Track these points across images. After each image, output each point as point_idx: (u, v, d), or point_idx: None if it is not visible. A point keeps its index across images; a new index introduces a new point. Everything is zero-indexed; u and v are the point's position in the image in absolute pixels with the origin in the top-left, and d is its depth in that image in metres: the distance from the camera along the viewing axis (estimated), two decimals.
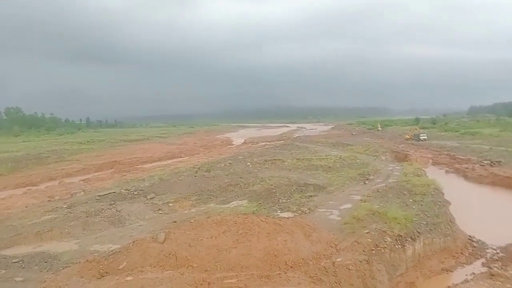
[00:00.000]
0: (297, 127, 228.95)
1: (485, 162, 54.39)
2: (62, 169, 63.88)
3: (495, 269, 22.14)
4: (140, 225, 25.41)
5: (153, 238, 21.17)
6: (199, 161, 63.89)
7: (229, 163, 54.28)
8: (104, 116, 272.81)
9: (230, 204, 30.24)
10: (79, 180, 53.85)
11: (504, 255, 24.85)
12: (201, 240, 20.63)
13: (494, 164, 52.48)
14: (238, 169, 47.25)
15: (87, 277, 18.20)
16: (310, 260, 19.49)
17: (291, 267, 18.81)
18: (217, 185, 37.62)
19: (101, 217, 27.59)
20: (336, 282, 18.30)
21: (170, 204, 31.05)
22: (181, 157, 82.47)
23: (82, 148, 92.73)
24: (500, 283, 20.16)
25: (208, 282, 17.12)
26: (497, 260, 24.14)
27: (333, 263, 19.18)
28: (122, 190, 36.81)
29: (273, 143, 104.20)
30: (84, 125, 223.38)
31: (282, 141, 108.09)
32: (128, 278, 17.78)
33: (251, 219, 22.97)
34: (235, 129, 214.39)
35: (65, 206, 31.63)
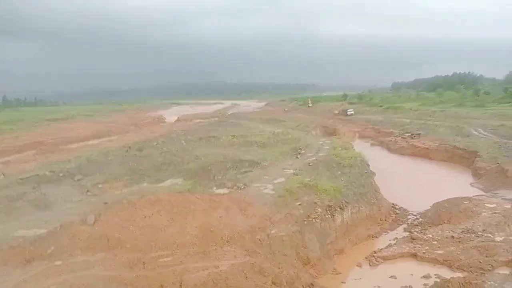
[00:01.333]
0: (232, 104, 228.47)
1: (406, 134, 59.02)
2: None
3: (415, 233, 24.51)
4: (68, 208, 24.07)
5: (82, 221, 20.25)
6: (129, 140, 61.49)
7: (162, 141, 53.04)
8: (22, 94, 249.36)
9: (165, 183, 29.72)
10: None
11: (423, 220, 27.52)
12: (134, 220, 20.15)
13: (414, 136, 57.07)
14: (172, 147, 46.34)
15: (12, 263, 17.08)
16: (246, 233, 19.94)
17: (227, 241, 19.12)
18: (150, 164, 36.63)
19: (24, 201, 25.70)
20: (270, 253, 18.99)
21: (99, 186, 29.72)
22: (110, 136, 78.69)
23: (0, 128, 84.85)
24: (420, 246, 22.43)
25: (143, 262, 16.90)
26: (417, 225, 26.66)
27: (268, 235, 19.85)
28: (47, 172, 34.44)
29: (207, 120, 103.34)
30: (0, 105, 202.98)
31: (217, 118, 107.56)
32: (57, 262, 16.95)
33: (186, 197, 22.86)
34: (167, 107, 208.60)
35: None
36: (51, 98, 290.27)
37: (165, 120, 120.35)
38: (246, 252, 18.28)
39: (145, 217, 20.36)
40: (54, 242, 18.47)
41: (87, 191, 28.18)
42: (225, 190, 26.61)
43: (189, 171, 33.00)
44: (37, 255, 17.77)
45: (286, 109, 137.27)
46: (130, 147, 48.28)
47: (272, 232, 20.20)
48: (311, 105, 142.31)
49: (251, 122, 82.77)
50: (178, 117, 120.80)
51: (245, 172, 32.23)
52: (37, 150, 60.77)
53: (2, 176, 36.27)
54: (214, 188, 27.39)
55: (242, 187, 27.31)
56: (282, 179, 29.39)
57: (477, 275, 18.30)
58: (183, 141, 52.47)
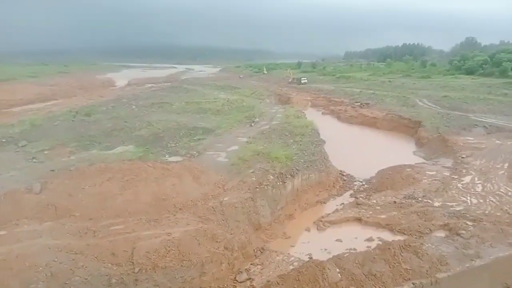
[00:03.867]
0: (185, 68, 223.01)
1: (356, 104, 60.91)
2: None
3: (361, 199, 25.88)
4: (11, 176, 22.87)
5: (27, 189, 19.47)
6: (77, 104, 58.72)
7: (112, 106, 51.20)
8: None
9: (115, 150, 28.92)
10: None
11: (368, 186, 29.04)
12: (84, 188, 19.67)
13: (363, 106, 59.06)
14: (123, 113, 44.92)
15: None
16: (199, 201, 20.16)
17: (180, 209, 19.26)
18: (99, 130, 35.42)
19: None
20: (223, 220, 19.38)
21: (45, 152, 28.41)
22: (56, 100, 74.58)
23: None
24: (364, 210, 23.75)
25: (94, 230, 16.68)
26: (362, 191, 28.12)
27: (221, 202, 20.16)
28: None
29: (160, 85, 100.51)
30: None
31: (170, 83, 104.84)
32: (2, 232, 16.31)
33: (138, 164, 22.54)
34: (117, 69, 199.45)
35: None
36: None
37: (115, 84, 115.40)
38: (199, 219, 18.54)
39: (95, 185, 19.92)
40: None
41: (33, 158, 26.90)
42: (178, 158, 26.46)
43: (140, 138, 32.37)
44: None
45: (241, 76, 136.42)
46: (77, 112, 46.20)
47: (225, 199, 20.53)
48: (266, 72, 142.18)
49: (205, 89, 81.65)
50: (128, 81, 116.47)
51: (199, 139, 32.13)
52: None
53: None
54: (167, 155, 27.16)
55: (196, 155, 27.28)
56: (235, 147, 29.66)
57: (416, 238, 19.71)
58: (134, 107, 51.00)
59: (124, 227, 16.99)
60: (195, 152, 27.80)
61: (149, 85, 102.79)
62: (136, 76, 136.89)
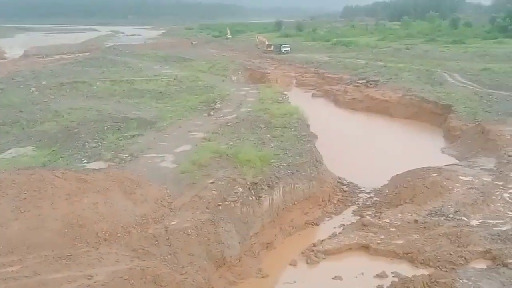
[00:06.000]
0: (111, 31, 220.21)
1: (360, 82, 61.74)
2: None
3: (368, 217, 26.17)
4: None
5: None
6: None
7: (0, 89, 49.94)
8: None
9: (5, 154, 28.34)
10: None
11: (378, 199, 29.42)
12: None
13: (371, 84, 59.96)
14: (16, 99, 43.88)
15: None
16: (133, 227, 19.92)
17: (105, 239, 18.96)
18: None
19: None
20: (170, 254, 19.20)
21: None
22: None
23: None
24: (373, 234, 23.96)
25: None
26: (370, 206, 28.49)
27: (166, 228, 19.97)
28: None
29: (73, 56, 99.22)
30: None
31: (88, 54, 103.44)
32: None
33: (41, 175, 21.99)
34: (8, 34, 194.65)
35: None
36: None
37: (5, 55, 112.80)
38: (134, 254, 18.33)
39: None
40: None
41: None
42: (101, 164, 26.15)
43: (44, 135, 31.88)
44: None
45: (194, 42, 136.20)
46: None
47: (173, 223, 20.37)
48: (230, 36, 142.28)
49: (141, 61, 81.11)
50: (25, 51, 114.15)
51: (132, 136, 31.87)
52: None
53: None
54: (84, 161, 26.78)
55: (128, 159, 27.03)
56: (187, 147, 29.55)
57: (446, 271, 19.95)
58: (33, 89, 50.10)
59: (21, 268, 16.58)
60: (126, 155, 27.51)
61: (57, 56, 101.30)
62: (37, 44, 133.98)
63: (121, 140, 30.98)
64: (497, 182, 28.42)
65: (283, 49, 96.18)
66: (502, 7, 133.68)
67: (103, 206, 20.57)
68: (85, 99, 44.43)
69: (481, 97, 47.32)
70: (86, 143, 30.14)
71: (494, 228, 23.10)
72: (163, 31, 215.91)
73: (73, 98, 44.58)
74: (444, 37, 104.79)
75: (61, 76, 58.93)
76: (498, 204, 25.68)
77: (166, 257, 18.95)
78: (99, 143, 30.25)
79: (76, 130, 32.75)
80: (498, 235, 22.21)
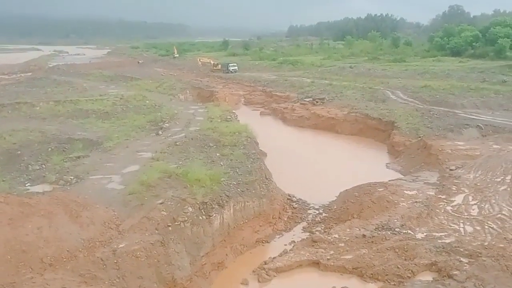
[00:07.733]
0: (54, 51, 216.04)
1: (307, 100, 62.80)
2: None
3: (317, 233, 26.49)
4: None
5: None
6: None
7: None
8: None
9: None
10: None
11: (327, 215, 29.84)
12: None
13: (317, 102, 61.03)
14: None
15: None
16: (80, 251, 19.39)
17: (51, 265, 18.37)
18: None
19: None
20: (119, 277, 18.76)
21: None
22: None
23: None
24: (323, 250, 24.24)
25: None
26: (319, 222, 28.85)
27: (114, 251, 19.53)
28: None
29: (14, 76, 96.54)
30: None
31: (30, 74, 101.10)
32: None
33: None
34: None
35: None
36: None
37: None
38: (81, 279, 17.82)
39: None
40: None
41: None
42: (45, 187, 25.34)
43: None
44: None
45: (140, 61, 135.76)
46: None
47: (121, 246, 19.94)
48: (177, 55, 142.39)
49: (86, 80, 79.78)
50: None
51: (78, 158, 31.14)
52: None
53: None
54: (28, 184, 26.00)
55: (73, 181, 26.31)
56: (135, 167, 29.09)
57: (394, 284, 20.49)
58: None
59: None
60: (71, 177, 26.77)
61: None
62: None
63: (66, 161, 30.18)
64: (440, 196, 29.39)
65: (231, 68, 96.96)
66: (439, 27, 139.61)
67: (47, 231, 19.93)
68: (28, 120, 43.21)
69: (422, 113, 48.92)
70: (29, 166, 29.29)
71: (439, 241, 23.77)
72: (108, 50, 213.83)
73: (15, 120, 43.29)
74: (385, 56, 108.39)
75: (2, 97, 57.18)
76: (442, 217, 26.49)
77: (115, 281, 18.50)
78: (43, 165, 29.41)
79: (18, 152, 31.75)
80: (443, 247, 22.87)
